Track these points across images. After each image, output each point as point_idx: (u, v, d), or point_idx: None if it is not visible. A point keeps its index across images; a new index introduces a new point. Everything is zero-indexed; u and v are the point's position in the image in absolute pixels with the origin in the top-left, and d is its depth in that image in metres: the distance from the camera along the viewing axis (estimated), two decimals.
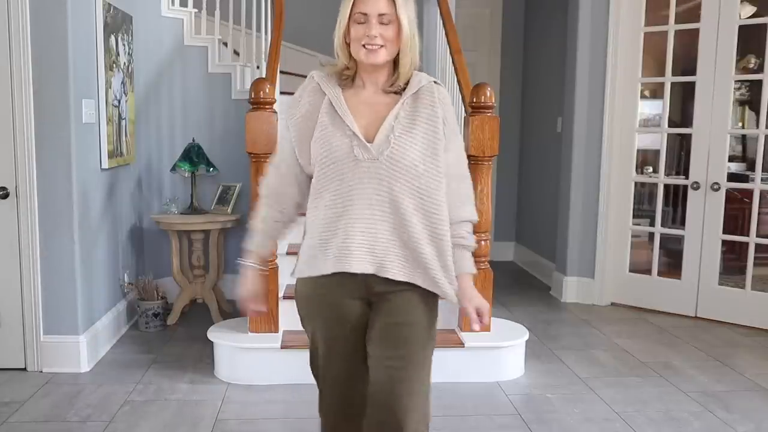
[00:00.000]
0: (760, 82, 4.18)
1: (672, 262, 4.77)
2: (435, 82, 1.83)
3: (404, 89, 1.80)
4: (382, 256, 1.72)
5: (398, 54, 1.78)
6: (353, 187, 1.72)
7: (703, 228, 4.37)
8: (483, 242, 3.42)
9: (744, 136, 5.82)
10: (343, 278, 1.74)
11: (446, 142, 1.79)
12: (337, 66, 1.82)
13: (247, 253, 1.88)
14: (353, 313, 1.79)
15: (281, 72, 3.77)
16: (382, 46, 1.74)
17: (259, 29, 4.50)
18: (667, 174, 4.68)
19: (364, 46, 1.74)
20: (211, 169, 4.24)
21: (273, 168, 1.86)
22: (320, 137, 1.74)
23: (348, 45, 1.79)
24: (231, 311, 4.24)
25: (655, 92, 5.51)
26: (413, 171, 1.72)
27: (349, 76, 1.81)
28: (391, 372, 1.73)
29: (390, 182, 1.72)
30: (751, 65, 4.86)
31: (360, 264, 1.72)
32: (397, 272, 1.73)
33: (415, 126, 1.75)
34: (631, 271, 4.69)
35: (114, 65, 3.74)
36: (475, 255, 3.40)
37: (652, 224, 4.72)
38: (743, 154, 5.80)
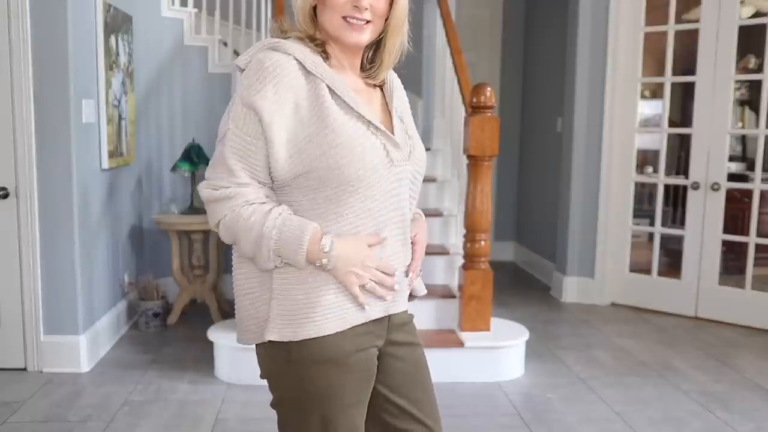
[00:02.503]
0: (760, 82, 4.18)
1: (672, 262, 4.77)
2: None
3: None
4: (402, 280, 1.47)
5: (383, 33, 1.40)
6: (386, 201, 1.37)
7: (703, 228, 4.37)
8: (483, 242, 3.42)
9: (744, 136, 5.83)
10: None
11: None
12: (298, 32, 1.38)
13: (316, 236, 1.31)
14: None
15: None
16: (369, 21, 1.34)
17: (259, 29, 4.50)
18: (667, 174, 4.69)
19: (346, 19, 1.33)
20: None
21: (244, 205, 1.31)
22: (344, 139, 1.30)
23: (313, 9, 1.37)
24: (231, 311, 4.24)
25: (655, 92, 5.52)
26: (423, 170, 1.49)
27: (322, 51, 1.37)
28: None
29: (412, 188, 1.43)
30: (751, 65, 4.86)
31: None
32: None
33: (410, 119, 1.50)
34: (631, 271, 4.68)
35: (114, 65, 3.74)
36: (475, 255, 3.46)
37: (652, 224, 4.72)
38: (743, 154, 5.82)
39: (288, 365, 1.36)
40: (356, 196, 1.32)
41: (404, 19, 1.39)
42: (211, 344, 3.37)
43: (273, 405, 1.45)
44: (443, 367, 3.27)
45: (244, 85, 1.31)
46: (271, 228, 1.30)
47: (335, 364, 1.35)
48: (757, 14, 4.59)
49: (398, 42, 1.41)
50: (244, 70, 1.35)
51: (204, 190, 1.36)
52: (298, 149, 1.30)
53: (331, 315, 1.34)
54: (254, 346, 1.44)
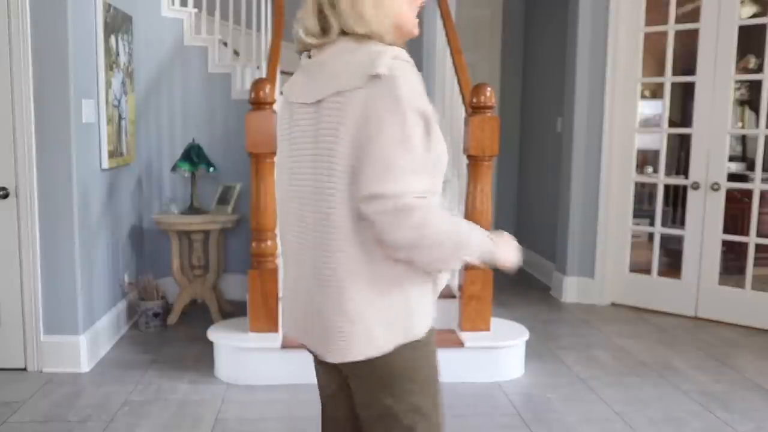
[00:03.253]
0: (760, 82, 4.18)
1: (672, 262, 4.77)
2: None
3: None
4: None
5: None
6: None
7: (703, 228, 4.37)
8: None
9: (744, 136, 5.83)
10: None
11: None
12: (391, 35, 1.37)
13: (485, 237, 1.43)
14: None
15: (281, 72, 3.77)
16: None
17: (259, 29, 4.50)
18: (667, 174, 4.68)
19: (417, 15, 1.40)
20: (212, 169, 4.24)
21: (433, 206, 1.31)
22: (440, 135, 1.39)
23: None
24: (231, 311, 4.24)
25: (655, 92, 5.52)
26: None
27: None
28: None
29: None
30: (751, 65, 4.86)
31: None
32: None
33: None
34: (631, 271, 4.68)
35: (114, 65, 3.74)
36: None
37: (652, 224, 4.72)
38: (743, 154, 5.82)
39: (419, 354, 1.47)
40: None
41: None
42: (211, 344, 3.37)
43: (410, 407, 1.50)
44: (443, 367, 3.26)
45: (404, 91, 1.27)
46: (466, 232, 1.37)
47: (434, 343, 1.53)
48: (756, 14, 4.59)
49: None
50: (380, 77, 1.27)
51: (415, 200, 1.27)
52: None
53: (433, 302, 1.50)
54: (358, 357, 1.40)
